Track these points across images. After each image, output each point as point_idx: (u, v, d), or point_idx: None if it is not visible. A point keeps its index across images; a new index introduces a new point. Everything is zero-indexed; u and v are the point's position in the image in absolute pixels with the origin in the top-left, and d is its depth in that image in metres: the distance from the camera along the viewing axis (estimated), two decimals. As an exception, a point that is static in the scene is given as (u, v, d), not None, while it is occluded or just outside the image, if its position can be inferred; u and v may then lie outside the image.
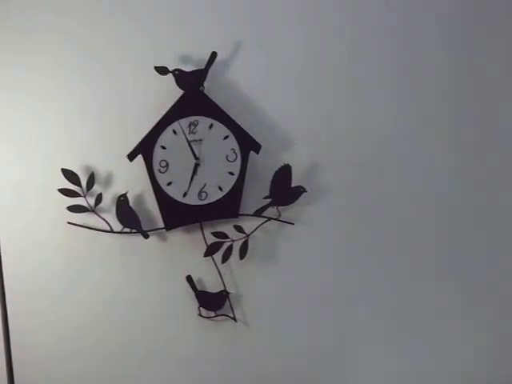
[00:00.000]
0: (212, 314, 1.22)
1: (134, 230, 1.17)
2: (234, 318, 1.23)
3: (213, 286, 1.23)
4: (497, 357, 1.33)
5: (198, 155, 1.16)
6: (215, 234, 1.20)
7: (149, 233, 1.18)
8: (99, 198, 1.17)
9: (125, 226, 1.17)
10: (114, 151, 1.18)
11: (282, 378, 1.28)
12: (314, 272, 1.28)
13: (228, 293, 1.21)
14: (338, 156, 1.27)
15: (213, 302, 1.21)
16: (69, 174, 1.15)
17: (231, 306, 1.23)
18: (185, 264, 1.23)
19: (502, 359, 1.33)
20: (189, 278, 1.20)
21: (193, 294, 1.22)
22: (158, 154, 1.15)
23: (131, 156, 1.14)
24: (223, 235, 1.20)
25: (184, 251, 1.22)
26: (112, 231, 1.17)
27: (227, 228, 1.21)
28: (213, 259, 1.21)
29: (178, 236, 1.22)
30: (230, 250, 1.21)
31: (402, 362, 1.31)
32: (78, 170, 1.17)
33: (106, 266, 1.21)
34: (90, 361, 1.22)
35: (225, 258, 1.21)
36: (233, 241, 1.21)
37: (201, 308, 1.21)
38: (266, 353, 1.28)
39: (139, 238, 1.18)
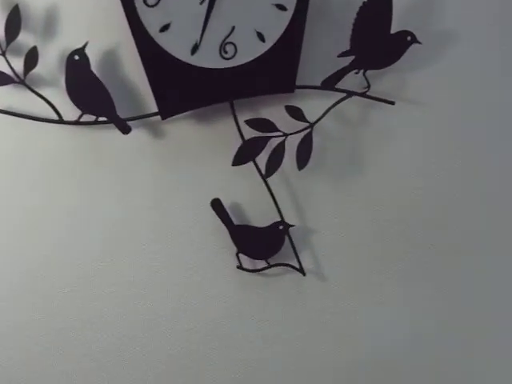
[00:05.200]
0: (262, 264, 0.93)
1: (102, 119, 0.84)
2: (300, 270, 0.93)
3: (258, 215, 0.92)
4: None
5: (217, -27, 0.80)
6: (253, 124, 0.84)
7: (130, 123, 0.85)
8: (32, 57, 0.80)
9: (84, 111, 0.82)
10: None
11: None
12: (430, 188, 0.97)
13: (288, 225, 0.90)
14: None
15: (262, 244, 0.92)
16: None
17: (294, 249, 0.91)
18: (202, 179, 0.91)
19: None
20: (216, 204, 0.88)
21: (225, 231, 0.89)
22: (143, -29, 0.78)
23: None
24: (267, 126, 0.84)
25: (199, 156, 0.90)
26: (61, 121, 0.82)
27: (274, 112, 0.88)
28: (257, 167, 0.85)
29: (185, 129, 0.89)
30: (279, 152, 0.84)
31: None
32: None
33: (55, 185, 0.88)
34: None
35: (271, 168, 0.84)
36: (285, 135, 0.84)
37: (240, 255, 0.91)
38: (355, 328, 0.99)
39: (113, 132, 0.85)
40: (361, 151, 0.96)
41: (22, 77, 0.80)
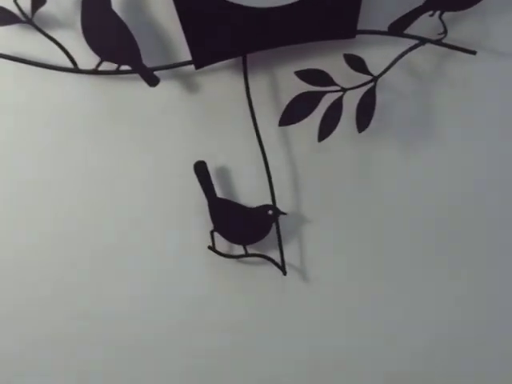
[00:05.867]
0: (239, 250, 0.80)
1: (124, 68, 0.71)
2: (281, 267, 0.81)
3: (257, 194, 0.78)
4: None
5: None
6: (304, 76, 0.70)
7: (158, 73, 0.71)
8: None
9: (104, 59, 0.69)
10: None
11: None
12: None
13: (279, 212, 0.78)
14: None
15: (244, 227, 0.79)
16: None
17: (280, 242, 0.79)
18: (228, 139, 0.77)
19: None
20: (199, 167, 0.76)
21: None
22: None
23: None
24: (323, 78, 0.70)
25: (238, 114, 0.75)
26: (77, 69, 0.69)
27: (330, 63, 0.73)
28: (259, 135, 0.73)
29: (224, 81, 0.74)
30: (336, 109, 0.71)
31: None
32: None
33: (70, 144, 0.75)
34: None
35: (326, 129, 0.71)
36: (343, 90, 0.70)
37: (215, 234, 0.79)
38: (335, 339, 0.86)
39: (138, 84, 0.73)
40: (433, 111, 0.81)
41: (29, 15, 0.67)
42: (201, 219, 0.78)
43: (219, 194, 0.76)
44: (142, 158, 0.76)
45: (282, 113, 0.70)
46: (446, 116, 0.78)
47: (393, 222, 0.81)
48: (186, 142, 0.76)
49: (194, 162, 0.75)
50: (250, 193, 0.78)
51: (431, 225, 0.82)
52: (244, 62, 0.70)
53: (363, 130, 0.71)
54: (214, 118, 0.75)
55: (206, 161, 0.74)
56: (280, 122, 0.70)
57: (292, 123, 0.71)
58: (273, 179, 0.75)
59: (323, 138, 0.71)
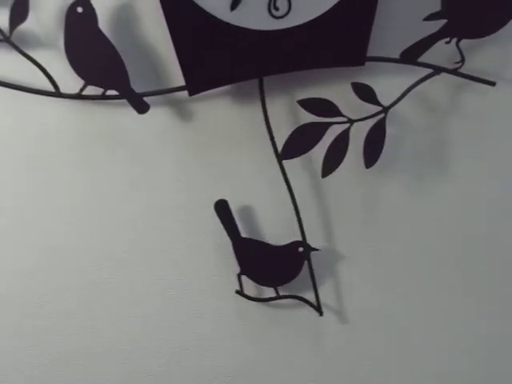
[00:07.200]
0: (269, 293, 0.78)
1: (111, 93, 0.69)
2: (317, 308, 0.79)
3: (280, 232, 0.76)
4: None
5: None
6: (309, 106, 0.67)
7: (148, 100, 0.69)
8: (21, 7, 0.63)
9: (89, 82, 0.67)
10: None
11: None
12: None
13: (310, 248, 0.76)
14: None
15: (274, 267, 0.77)
16: None
17: (313, 280, 0.77)
18: (235, 174, 0.75)
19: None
20: (221, 206, 0.74)
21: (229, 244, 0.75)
22: None
23: None
24: (329, 108, 0.68)
25: (235, 145, 0.73)
26: (59, 94, 0.66)
27: (337, 92, 0.71)
28: (282, 166, 0.70)
29: (219, 109, 0.72)
30: (342, 143, 0.68)
31: None
32: None
33: (48, 175, 0.72)
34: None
35: (330, 164, 0.68)
36: (350, 122, 0.67)
37: (243, 277, 0.78)
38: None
39: (126, 111, 0.69)
40: (447, 146, 0.79)
41: (7, 33, 0.64)
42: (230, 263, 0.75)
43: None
44: (130, 191, 0.72)
45: (283, 146, 0.66)
46: (461, 152, 0.76)
47: (404, 260, 0.78)
48: (178, 175, 0.73)
49: (186, 196, 0.71)
50: (273, 230, 0.75)
51: (443, 263, 0.79)
52: (260, 84, 0.66)
53: (371, 165, 0.68)
54: (208, 148, 0.72)
55: (205, 195, 0.71)
56: (281, 155, 0.66)
57: (293, 157, 0.67)
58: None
59: (327, 174, 0.67)
